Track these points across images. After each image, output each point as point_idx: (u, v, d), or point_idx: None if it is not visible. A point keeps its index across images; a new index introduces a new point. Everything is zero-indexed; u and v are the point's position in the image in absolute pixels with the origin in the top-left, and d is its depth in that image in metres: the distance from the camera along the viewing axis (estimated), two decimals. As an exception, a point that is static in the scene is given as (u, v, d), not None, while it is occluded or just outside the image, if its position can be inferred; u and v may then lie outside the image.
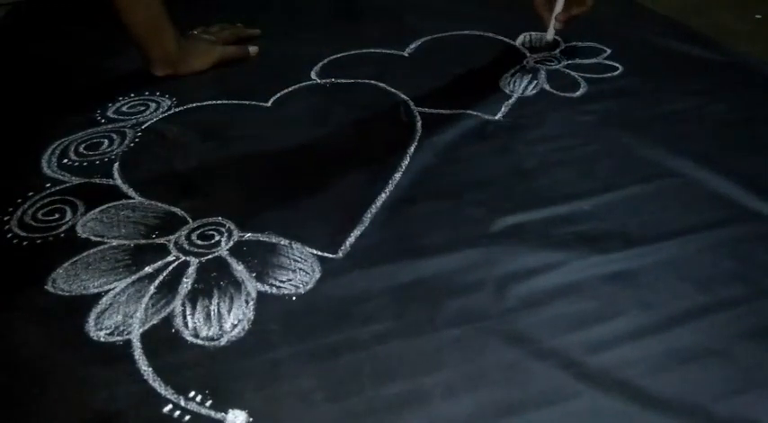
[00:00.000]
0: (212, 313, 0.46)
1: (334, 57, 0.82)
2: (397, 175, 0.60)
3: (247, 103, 0.73)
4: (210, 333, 0.45)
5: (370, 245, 0.52)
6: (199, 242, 0.52)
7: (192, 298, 0.47)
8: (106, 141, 0.66)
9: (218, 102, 0.73)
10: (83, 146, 0.66)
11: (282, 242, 0.52)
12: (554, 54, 0.81)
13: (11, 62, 0.85)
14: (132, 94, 0.75)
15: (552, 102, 0.72)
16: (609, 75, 0.76)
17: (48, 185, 0.60)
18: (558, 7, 0.76)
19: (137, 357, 0.43)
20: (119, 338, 0.45)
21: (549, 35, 0.80)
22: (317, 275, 0.49)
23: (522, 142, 0.64)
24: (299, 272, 0.50)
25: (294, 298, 0.48)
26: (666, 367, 0.41)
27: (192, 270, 0.50)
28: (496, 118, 0.69)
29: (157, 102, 0.73)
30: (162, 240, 0.53)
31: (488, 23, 0.89)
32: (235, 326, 0.45)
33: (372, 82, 0.76)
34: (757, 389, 0.40)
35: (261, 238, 0.53)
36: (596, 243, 0.51)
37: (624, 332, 0.44)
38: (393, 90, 0.74)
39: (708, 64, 0.78)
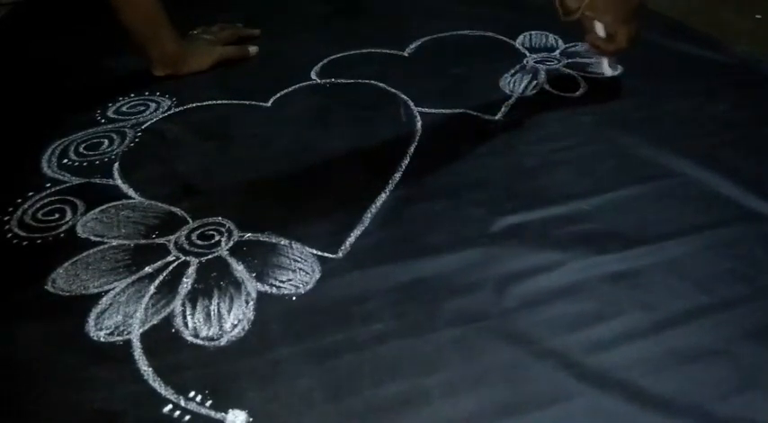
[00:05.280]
0: (212, 313, 0.46)
1: (334, 57, 0.82)
2: (397, 175, 0.60)
3: (247, 103, 0.73)
4: (210, 333, 0.45)
5: (370, 245, 0.52)
6: (199, 242, 0.52)
7: (192, 298, 0.47)
8: (106, 141, 0.66)
9: (218, 102, 0.73)
10: (83, 146, 0.66)
11: (282, 242, 0.52)
12: (554, 55, 0.81)
13: (11, 62, 0.85)
14: (132, 94, 0.75)
15: (552, 102, 0.72)
16: (609, 75, 0.76)
17: (48, 185, 0.60)
18: (600, 31, 0.69)
19: (137, 357, 0.43)
20: (119, 338, 0.44)
21: (603, 68, 0.75)
22: (317, 275, 0.49)
23: (522, 142, 0.64)
24: (299, 272, 0.50)
25: (294, 298, 0.48)
26: (666, 367, 0.41)
27: (191, 270, 0.50)
28: (496, 118, 0.69)
29: (157, 102, 0.73)
30: (162, 240, 0.53)
31: (488, 23, 0.89)
32: (235, 326, 0.45)
33: (372, 82, 0.76)
34: (757, 389, 0.40)
35: (261, 238, 0.53)
36: (596, 243, 0.51)
37: (624, 332, 0.44)
38: (393, 90, 0.74)
39: (708, 64, 0.78)
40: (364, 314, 0.46)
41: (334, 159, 0.63)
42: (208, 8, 0.96)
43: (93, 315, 0.46)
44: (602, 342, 0.43)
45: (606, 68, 0.75)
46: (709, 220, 0.53)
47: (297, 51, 0.84)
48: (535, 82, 0.75)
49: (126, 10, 0.71)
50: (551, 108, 0.70)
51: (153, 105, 0.73)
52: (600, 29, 0.69)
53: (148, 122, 0.70)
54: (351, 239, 0.53)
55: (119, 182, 0.60)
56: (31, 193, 0.59)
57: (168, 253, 0.51)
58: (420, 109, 0.70)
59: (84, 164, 0.63)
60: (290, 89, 0.75)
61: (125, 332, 0.45)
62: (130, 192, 0.59)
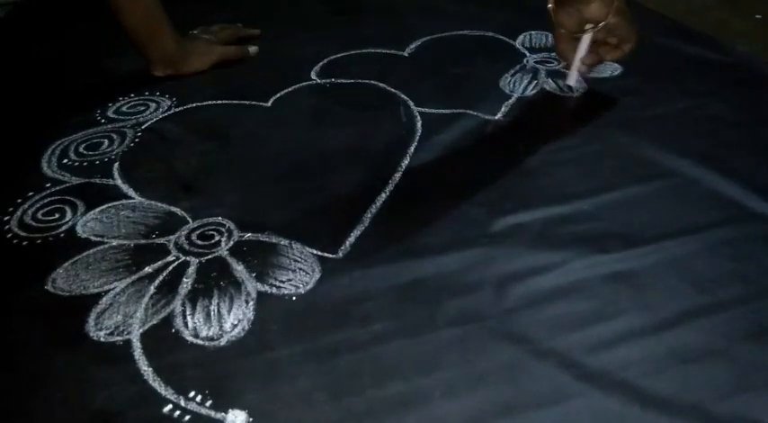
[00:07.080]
0: (212, 313, 0.46)
1: (334, 57, 0.82)
2: (397, 175, 0.60)
3: (247, 103, 0.73)
4: (210, 333, 0.45)
5: (370, 245, 0.52)
6: (199, 242, 0.52)
7: (192, 298, 0.47)
8: (106, 141, 0.66)
9: (218, 102, 0.73)
10: (83, 146, 0.66)
11: (282, 242, 0.52)
12: (554, 55, 0.81)
13: (11, 62, 0.85)
14: (132, 94, 0.75)
15: (552, 102, 0.72)
16: (609, 75, 0.76)
17: (48, 185, 0.60)
18: (583, 50, 0.67)
19: (137, 357, 0.43)
20: (119, 338, 0.44)
21: (570, 80, 0.70)
22: (317, 275, 0.49)
23: (522, 142, 0.64)
24: (299, 272, 0.50)
25: (294, 298, 0.48)
26: (666, 367, 0.41)
27: (192, 270, 0.50)
28: (496, 118, 0.69)
29: (157, 102, 0.73)
30: (162, 240, 0.53)
31: (488, 23, 0.89)
32: (235, 326, 0.45)
33: (372, 82, 0.76)
34: (757, 389, 0.40)
35: (261, 238, 0.53)
36: (596, 243, 0.51)
37: (624, 332, 0.44)
38: (393, 90, 0.74)
39: (708, 64, 0.78)
40: (364, 314, 0.46)
41: (334, 159, 0.63)
42: (208, 8, 0.96)
43: (93, 315, 0.46)
44: (602, 342, 0.43)
45: (575, 81, 0.71)
46: (709, 220, 0.53)
47: (297, 51, 0.84)
48: (535, 82, 0.75)
49: (126, 10, 0.71)
50: (551, 108, 0.70)
51: (153, 105, 0.73)
52: (584, 47, 0.67)
53: (148, 122, 0.70)
54: (351, 239, 0.53)
55: (119, 182, 0.60)
56: (31, 193, 0.59)
57: (168, 253, 0.51)
58: (420, 109, 0.70)
59: (85, 164, 0.63)
60: (289, 89, 0.75)
61: (125, 332, 0.45)
62: (130, 192, 0.59)
